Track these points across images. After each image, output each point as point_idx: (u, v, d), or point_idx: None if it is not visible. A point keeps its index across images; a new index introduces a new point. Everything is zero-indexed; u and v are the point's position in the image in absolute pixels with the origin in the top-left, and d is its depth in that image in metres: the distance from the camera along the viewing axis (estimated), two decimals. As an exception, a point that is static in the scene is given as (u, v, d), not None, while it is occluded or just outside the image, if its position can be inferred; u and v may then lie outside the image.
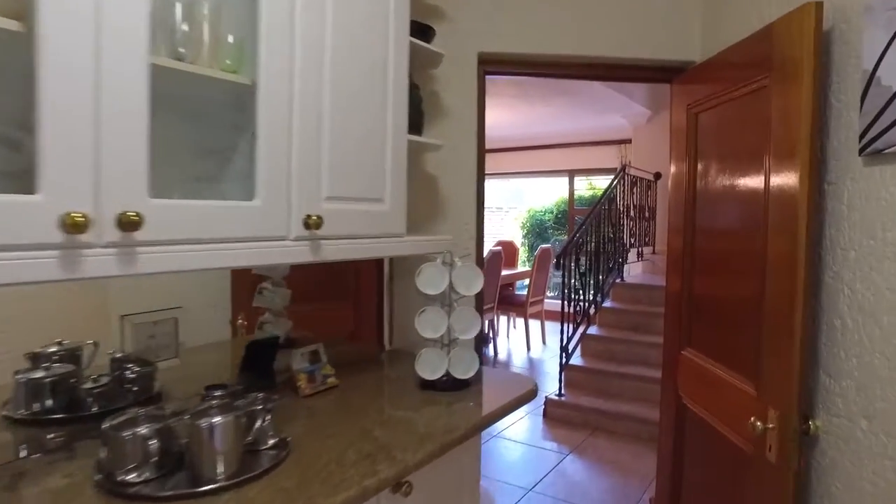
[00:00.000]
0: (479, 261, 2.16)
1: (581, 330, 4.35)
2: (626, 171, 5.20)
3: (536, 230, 8.87)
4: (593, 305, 4.51)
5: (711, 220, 1.83)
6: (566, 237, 8.42)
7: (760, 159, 1.50)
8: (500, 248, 5.55)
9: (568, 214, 7.81)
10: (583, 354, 4.38)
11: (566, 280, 4.14)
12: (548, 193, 9.04)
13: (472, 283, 1.70)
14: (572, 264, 4.23)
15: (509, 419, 3.89)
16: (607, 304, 4.71)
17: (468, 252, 2.06)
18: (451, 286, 1.66)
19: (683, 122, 1.99)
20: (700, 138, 1.90)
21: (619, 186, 5.07)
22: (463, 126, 2.10)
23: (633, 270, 5.64)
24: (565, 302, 4.14)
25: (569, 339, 4.15)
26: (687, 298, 1.97)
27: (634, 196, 5.48)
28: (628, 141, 6.82)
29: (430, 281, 1.64)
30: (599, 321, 4.65)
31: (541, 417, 3.94)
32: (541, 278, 6.07)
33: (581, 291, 4.28)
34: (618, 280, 4.94)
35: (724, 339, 1.71)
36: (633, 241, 5.45)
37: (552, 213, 8.80)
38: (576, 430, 3.73)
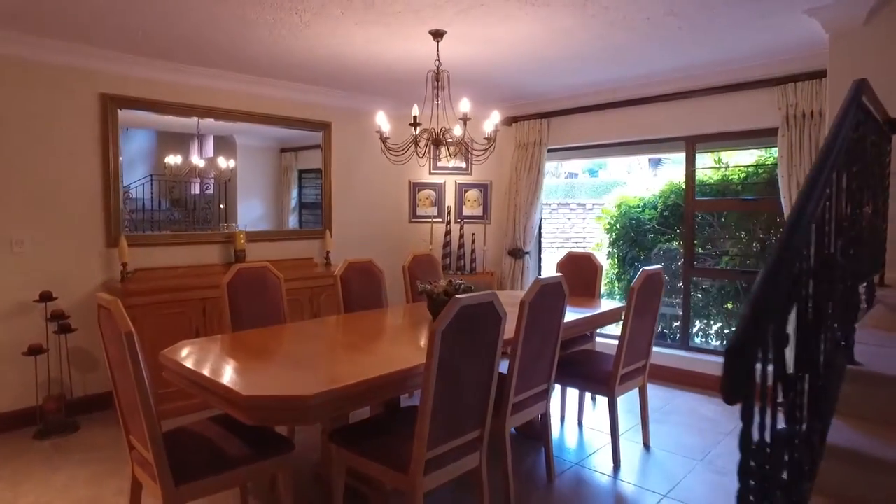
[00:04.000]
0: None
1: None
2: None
3: (632, 234, 5.93)
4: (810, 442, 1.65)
5: None
6: (679, 246, 5.42)
7: None
8: (558, 277, 2.77)
9: (684, 210, 4.82)
10: None
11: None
12: (647, 178, 6.12)
13: None
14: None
15: None
16: (838, 437, 1.83)
17: None
18: None
19: None
20: None
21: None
22: None
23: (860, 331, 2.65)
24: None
25: None
26: None
27: None
28: (808, 75, 3.78)
29: None
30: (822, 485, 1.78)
31: None
32: (643, 327, 3.23)
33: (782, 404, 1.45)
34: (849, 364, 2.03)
35: None
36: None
37: (655, 208, 5.83)
38: None
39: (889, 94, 2.89)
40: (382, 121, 3.30)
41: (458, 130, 3.42)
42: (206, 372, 2.08)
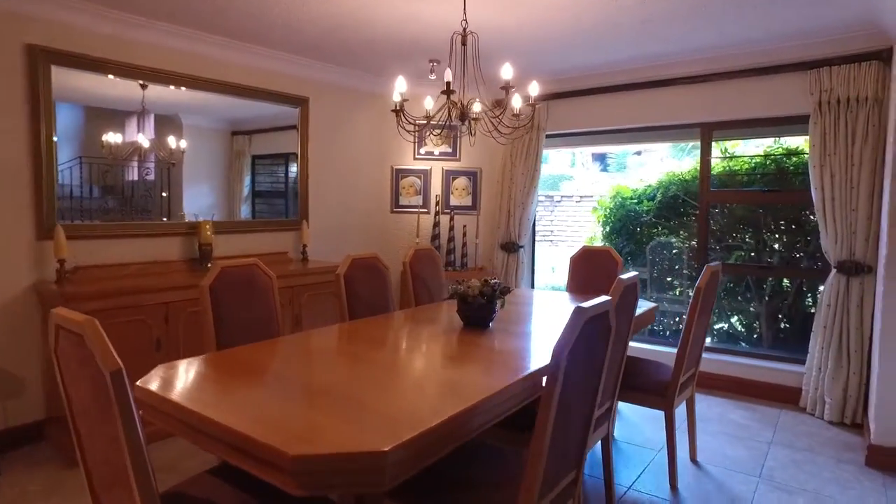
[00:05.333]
0: None
1: None
2: None
3: (629, 227, 5.62)
4: None
5: None
6: (679, 239, 5.16)
7: None
8: (635, 276, 2.32)
9: (698, 202, 4.52)
10: None
11: None
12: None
13: None
14: None
15: None
16: None
17: None
18: None
19: None
20: None
21: None
22: None
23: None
24: None
25: None
26: None
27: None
28: (845, 59, 3.54)
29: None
30: None
31: None
32: (700, 330, 2.85)
33: None
34: None
35: None
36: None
37: (652, 199, 5.54)
38: None
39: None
40: (401, 86, 2.72)
41: (477, 106, 2.91)
42: (219, 418, 1.46)
